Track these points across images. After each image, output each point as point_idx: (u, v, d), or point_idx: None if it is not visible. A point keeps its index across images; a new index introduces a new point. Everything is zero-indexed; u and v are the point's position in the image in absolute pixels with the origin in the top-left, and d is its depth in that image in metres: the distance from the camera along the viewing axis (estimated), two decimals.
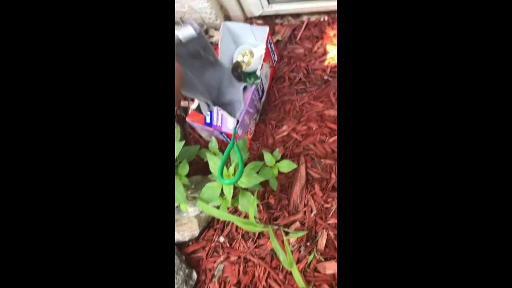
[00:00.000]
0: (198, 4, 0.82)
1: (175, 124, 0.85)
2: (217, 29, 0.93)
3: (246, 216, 0.73)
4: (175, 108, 0.89)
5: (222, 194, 0.70)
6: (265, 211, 0.74)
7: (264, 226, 0.65)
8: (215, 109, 0.67)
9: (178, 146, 0.66)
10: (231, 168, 0.63)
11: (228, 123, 0.67)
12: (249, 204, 0.63)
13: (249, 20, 0.94)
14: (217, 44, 0.80)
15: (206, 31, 0.94)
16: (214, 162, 0.64)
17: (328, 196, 0.71)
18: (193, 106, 0.71)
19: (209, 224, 0.76)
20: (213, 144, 0.74)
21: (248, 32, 0.81)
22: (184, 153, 0.73)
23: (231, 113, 0.58)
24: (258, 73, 0.80)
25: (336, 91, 0.80)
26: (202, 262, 0.73)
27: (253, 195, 0.64)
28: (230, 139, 0.73)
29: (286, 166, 0.69)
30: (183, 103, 0.88)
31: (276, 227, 0.71)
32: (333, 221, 0.69)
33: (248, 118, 0.72)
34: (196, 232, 0.72)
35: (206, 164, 0.80)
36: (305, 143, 0.77)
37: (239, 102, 0.58)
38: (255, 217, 0.62)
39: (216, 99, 0.59)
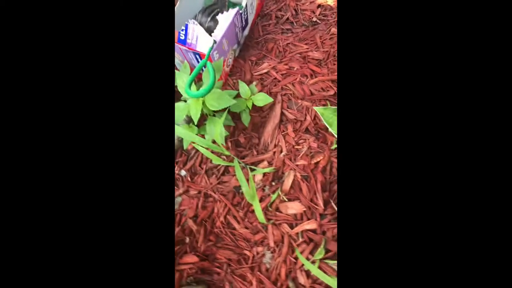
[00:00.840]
0: None
1: None
2: None
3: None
4: None
5: (189, 121, 0.64)
6: (234, 149, 0.70)
7: (228, 153, 0.61)
8: (190, 23, 0.60)
9: None
10: (202, 88, 0.57)
11: (204, 42, 0.61)
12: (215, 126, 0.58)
13: None
14: None
15: None
16: (182, 81, 0.58)
17: (300, 137, 0.68)
18: None
19: None
20: (186, 69, 0.67)
21: None
22: None
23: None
24: (243, 3, 0.73)
25: (323, 34, 0.76)
26: None
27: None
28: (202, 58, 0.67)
29: (262, 99, 0.64)
30: None
31: (242, 165, 0.67)
32: (302, 162, 0.66)
33: (226, 44, 0.66)
34: None
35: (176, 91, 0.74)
36: (284, 83, 0.72)
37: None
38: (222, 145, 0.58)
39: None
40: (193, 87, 0.58)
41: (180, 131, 0.57)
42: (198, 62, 0.67)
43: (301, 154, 0.67)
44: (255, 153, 0.69)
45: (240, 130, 0.71)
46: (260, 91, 0.72)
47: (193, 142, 0.63)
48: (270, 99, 0.64)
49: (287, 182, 0.65)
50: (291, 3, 0.80)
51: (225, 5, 0.73)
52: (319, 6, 0.79)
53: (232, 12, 0.64)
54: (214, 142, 0.63)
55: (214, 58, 0.64)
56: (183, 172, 0.70)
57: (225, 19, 0.64)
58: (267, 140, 0.69)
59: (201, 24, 0.69)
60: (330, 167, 0.65)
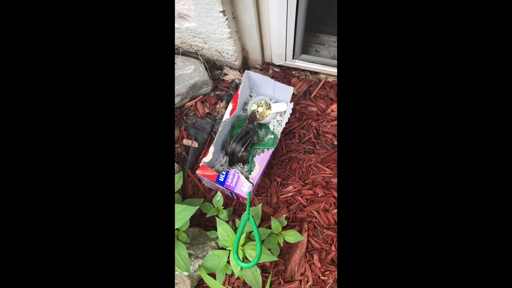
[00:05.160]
0: (223, 46, 0.78)
1: (175, 164, 0.79)
2: (232, 68, 0.89)
3: None
4: (175, 145, 0.83)
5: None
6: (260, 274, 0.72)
7: None
8: (232, 170, 0.64)
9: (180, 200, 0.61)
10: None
11: (243, 186, 0.64)
12: (254, 277, 0.61)
13: (266, 65, 0.92)
14: (230, 83, 0.76)
15: (221, 68, 0.90)
16: (223, 229, 0.61)
17: (326, 268, 0.72)
18: (206, 159, 0.67)
19: (199, 282, 0.72)
20: (218, 199, 0.70)
21: (269, 84, 0.79)
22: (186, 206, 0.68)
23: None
24: (271, 128, 0.78)
25: None
26: None
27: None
28: (238, 197, 0.70)
29: (293, 236, 0.68)
30: (186, 142, 0.83)
31: None
32: None
33: (259, 179, 0.70)
34: None
35: (202, 214, 0.76)
36: (309, 209, 0.76)
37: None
38: None
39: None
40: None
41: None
42: (232, 195, 0.70)
43: (327, 286, 0.70)
44: (281, 281, 0.71)
45: None
46: (286, 216, 0.75)
47: None
48: (301, 238, 0.68)
49: None
50: (313, 123, 0.86)
51: (255, 130, 0.77)
52: None
53: (267, 153, 0.68)
54: None
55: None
56: None
57: (261, 160, 0.68)
58: (294, 269, 0.72)
59: (234, 152, 0.73)
60: None
